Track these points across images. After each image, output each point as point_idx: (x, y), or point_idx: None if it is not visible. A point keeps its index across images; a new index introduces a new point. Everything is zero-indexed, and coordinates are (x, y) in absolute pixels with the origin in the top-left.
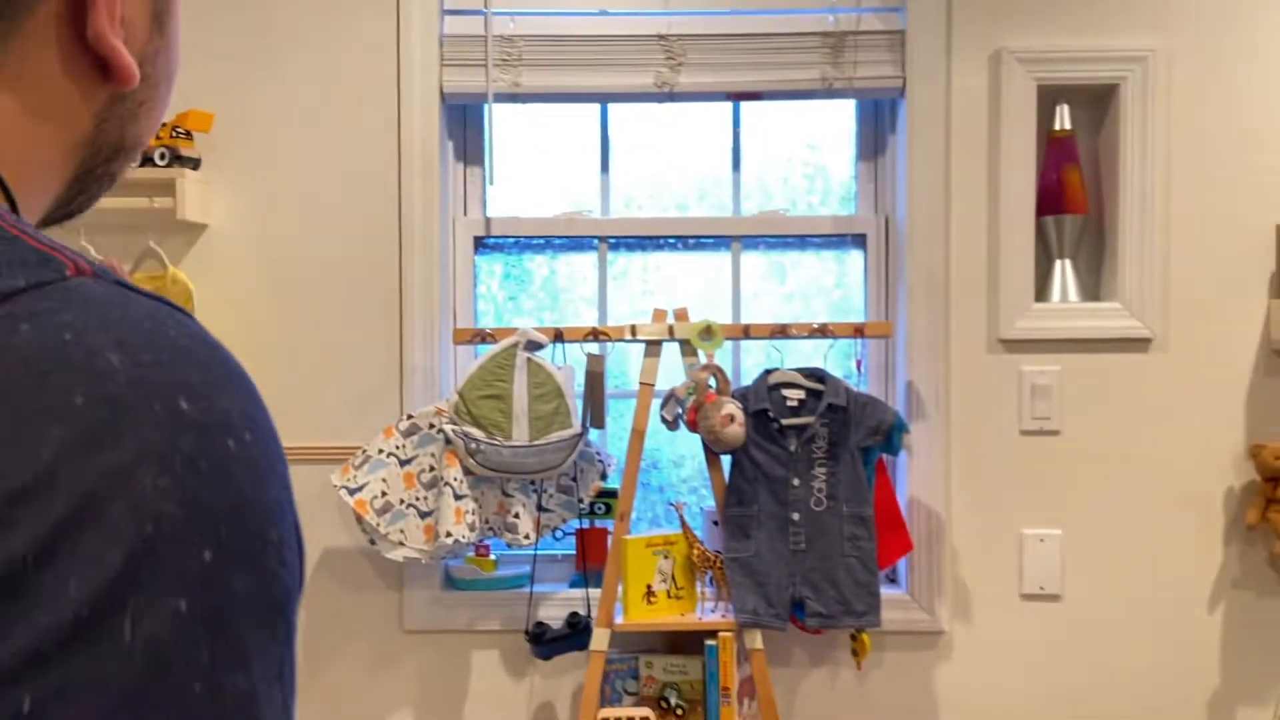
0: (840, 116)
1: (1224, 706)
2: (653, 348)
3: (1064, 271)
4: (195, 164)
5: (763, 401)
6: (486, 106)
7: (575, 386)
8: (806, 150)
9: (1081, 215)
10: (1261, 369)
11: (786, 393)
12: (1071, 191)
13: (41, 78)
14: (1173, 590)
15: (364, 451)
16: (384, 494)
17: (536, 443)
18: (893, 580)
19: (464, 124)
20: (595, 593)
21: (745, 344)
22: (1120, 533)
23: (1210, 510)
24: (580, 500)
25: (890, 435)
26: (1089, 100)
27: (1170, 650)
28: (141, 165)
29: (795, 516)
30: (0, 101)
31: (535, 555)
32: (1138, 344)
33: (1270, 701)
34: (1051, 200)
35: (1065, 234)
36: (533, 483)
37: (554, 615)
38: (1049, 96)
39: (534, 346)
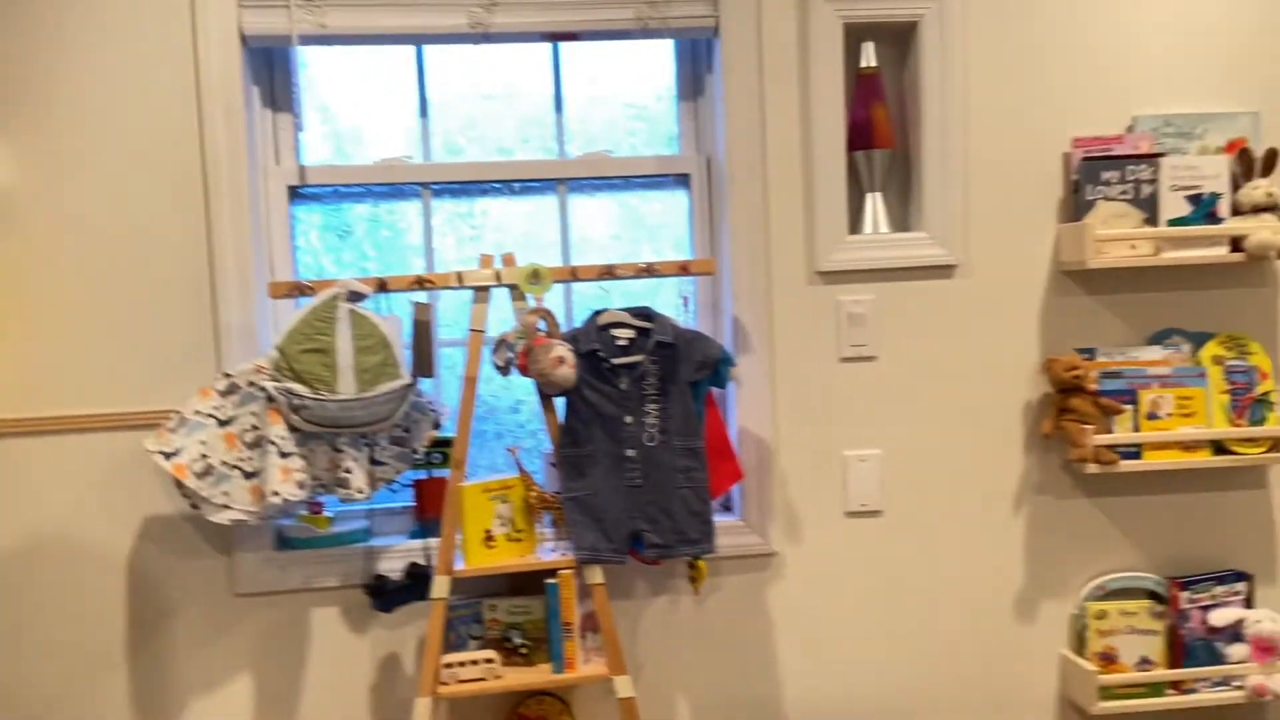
0: (660, 57)
1: (1031, 602)
2: (481, 294)
3: (875, 204)
4: None
5: (592, 342)
6: (292, 49)
7: (404, 337)
8: (629, 92)
9: (889, 150)
10: (1052, 289)
11: (616, 332)
12: (879, 127)
13: None
14: (981, 498)
15: (179, 414)
16: (204, 456)
17: (364, 395)
18: (727, 508)
19: (270, 68)
20: (435, 543)
21: (578, 287)
22: (933, 449)
23: (1011, 422)
24: (415, 451)
25: (717, 368)
26: (893, 38)
27: (981, 554)
28: None
29: (630, 453)
30: None
31: (372, 509)
32: (943, 270)
33: (1070, 594)
34: (861, 136)
35: (875, 168)
36: (364, 436)
37: (395, 568)
38: (855, 34)
39: (356, 297)
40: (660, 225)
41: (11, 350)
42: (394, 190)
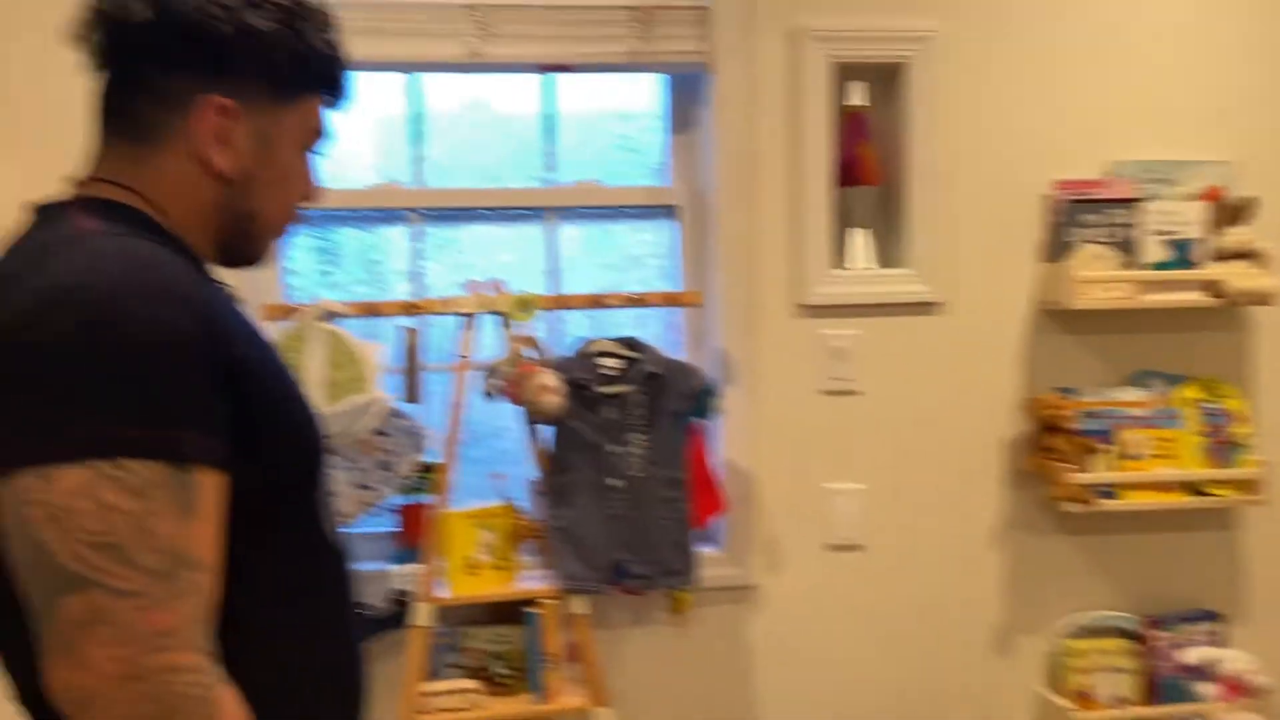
0: (652, 89)
1: (1008, 637)
2: (469, 320)
3: (861, 240)
4: None
5: (580, 371)
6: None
7: (385, 360)
8: (619, 122)
9: (875, 187)
10: (1033, 327)
11: (603, 361)
12: (866, 164)
13: (179, 168)
14: (962, 534)
15: None
16: None
17: (330, 410)
18: (710, 539)
19: None
20: (419, 569)
21: (566, 315)
22: (915, 484)
23: (991, 459)
24: (400, 476)
25: (702, 400)
26: (881, 77)
27: (961, 589)
28: None
29: (614, 482)
30: (170, 182)
31: (357, 534)
32: (927, 307)
33: (1045, 629)
34: (848, 172)
35: (861, 205)
36: (353, 460)
37: (377, 594)
38: (843, 73)
39: (330, 316)
40: (648, 255)
41: None
42: (384, 215)
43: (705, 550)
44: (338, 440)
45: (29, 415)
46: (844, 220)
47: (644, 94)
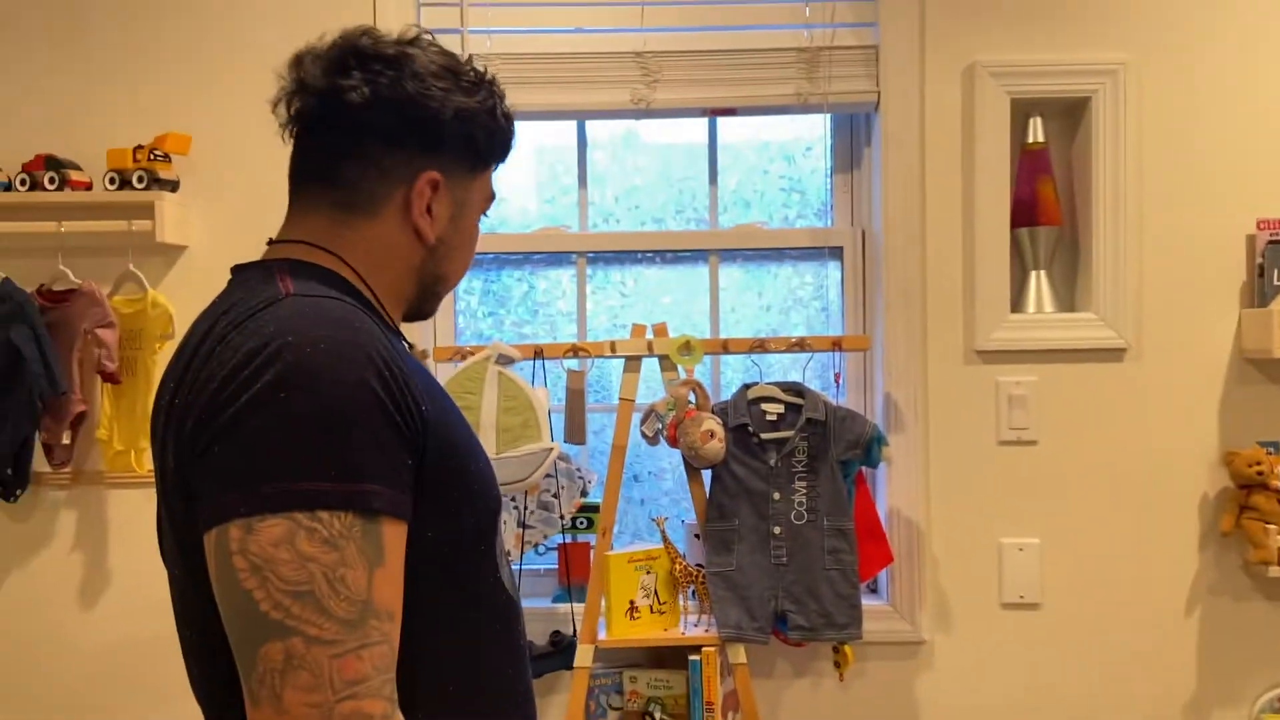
0: (816, 129)
1: (1201, 710)
2: (632, 363)
3: (1039, 282)
4: (174, 186)
5: (742, 416)
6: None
7: (553, 403)
8: (783, 163)
9: (1056, 227)
10: (1234, 377)
11: (766, 407)
12: (1045, 203)
13: (390, 236)
14: (1150, 596)
15: None
16: None
17: (502, 455)
18: (874, 590)
19: None
20: (579, 608)
21: (724, 358)
22: (1098, 541)
23: (1186, 517)
24: (562, 516)
25: (869, 448)
26: (1062, 112)
27: (1149, 656)
28: (119, 188)
29: (776, 530)
30: (375, 248)
31: (520, 571)
32: (1113, 354)
33: (1245, 704)
34: (1026, 212)
35: (1040, 245)
36: (513, 499)
37: (538, 630)
38: (1022, 109)
39: (506, 360)
40: (812, 298)
41: None
42: (551, 259)
43: (871, 603)
44: (509, 486)
45: (235, 469)
46: (1021, 262)
47: (809, 133)
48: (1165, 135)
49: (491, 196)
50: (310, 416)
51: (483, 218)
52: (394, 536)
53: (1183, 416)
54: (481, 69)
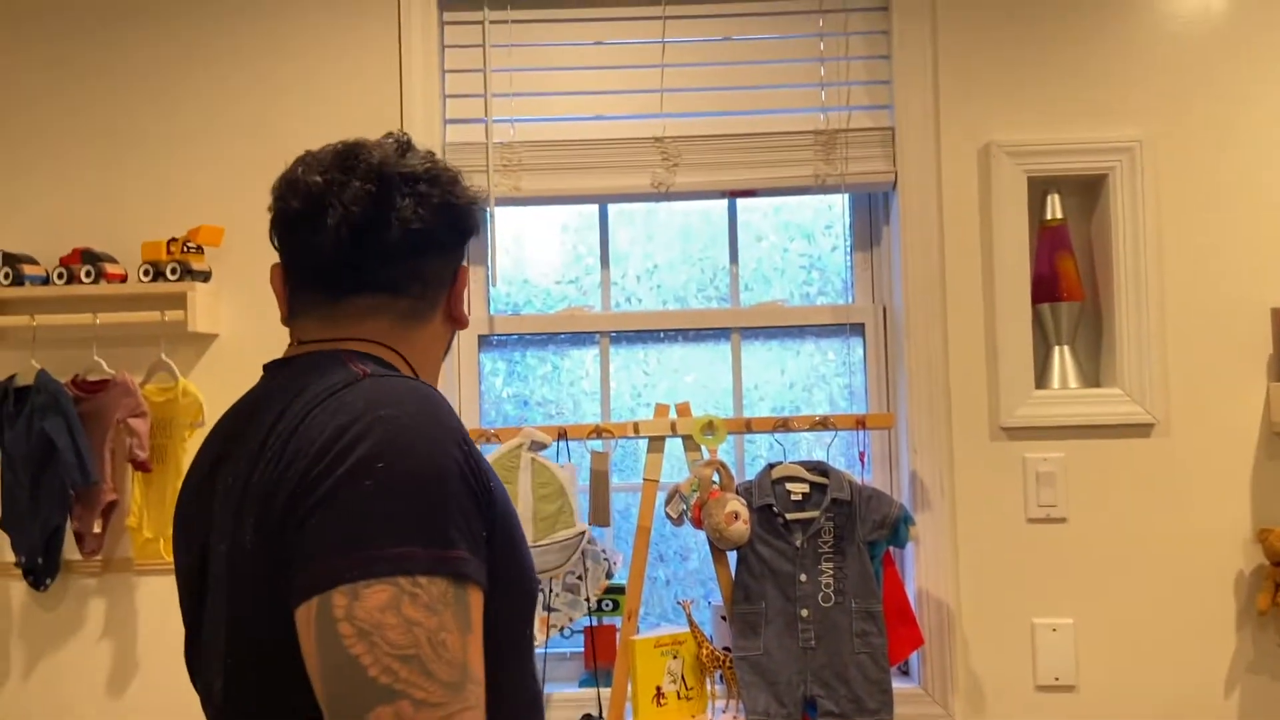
0: (836, 208)
1: None
2: (656, 443)
3: (1063, 358)
4: (206, 276)
5: (766, 496)
6: (488, 211)
7: (579, 484)
8: (802, 241)
9: (1078, 302)
10: (1264, 452)
11: (790, 486)
12: (1066, 279)
13: (439, 327)
14: (1188, 676)
15: None
16: None
17: (540, 543)
18: (905, 673)
19: None
20: (605, 692)
21: (747, 436)
22: (1133, 620)
23: (1221, 595)
24: (587, 599)
25: (896, 528)
26: (1079, 188)
27: None
28: (153, 280)
29: (804, 613)
30: (425, 342)
31: (545, 655)
32: (1140, 429)
33: None
34: (1047, 288)
35: (1062, 321)
36: (539, 582)
37: (565, 716)
38: (1039, 186)
39: (538, 446)
40: (834, 374)
41: None
42: (574, 338)
43: (902, 686)
44: (547, 574)
45: (336, 537)
46: (1044, 338)
47: (828, 211)
48: (1184, 210)
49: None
50: (407, 485)
51: None
52: (478, 604)
53: (1214, 492)
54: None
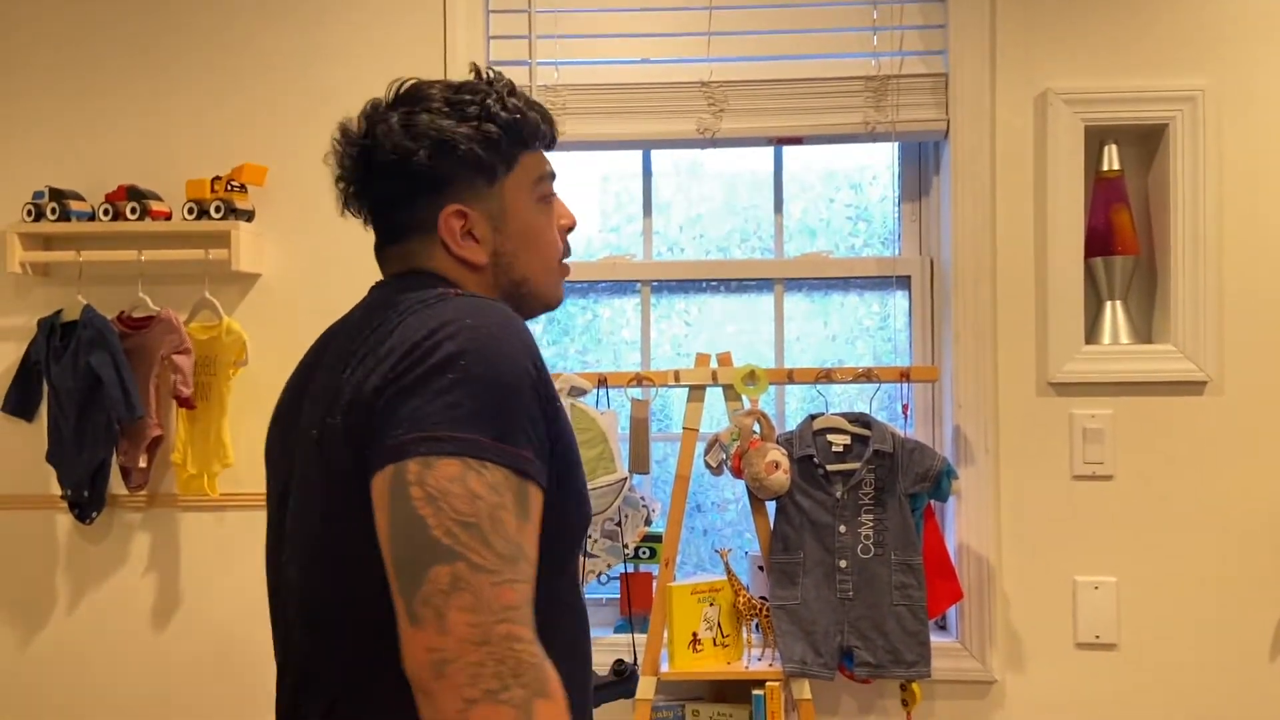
0: (884, 157)
1: None
2: (696, 392)
3: (1115, 313)
4: (249, 216)
5: (808, 447)
6: None
7: (619, 431)
8: (849, 192)
9: (1132, 256)
10: None
11: (832, 438)
12: (1121, 232)
13: (454, 271)
14: (1232, 639)
15: None
16: None
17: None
18: (943, 627)
19: None
20: (641, 638)
21: (793, 388)
22: (1177, 580)
23: (1269, 558)
24: (625, 545)
25: (939, 481)
26: (1138, 139)
27: (1232, 701)
28: (197, 218)
29: (842, 564)
30: (448, 266)
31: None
32: (1192, 387)
33: None
34: (1100, 241)
35: (1115, 275)
36: None
37: (600, 661)
38: (1096, 136)
39: (578, 392)
40: (878, 327)
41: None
42: (615, 287)
43: (940, 640)
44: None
45: (416, 418)
46: (1096, 292)
47: (875, 161)
48: (1246, 162)
49: (544, 174)
50: (484, 384)
51: (543, 200)
52: (537, 500)
53: (1266, 453)
54: (469, 82)
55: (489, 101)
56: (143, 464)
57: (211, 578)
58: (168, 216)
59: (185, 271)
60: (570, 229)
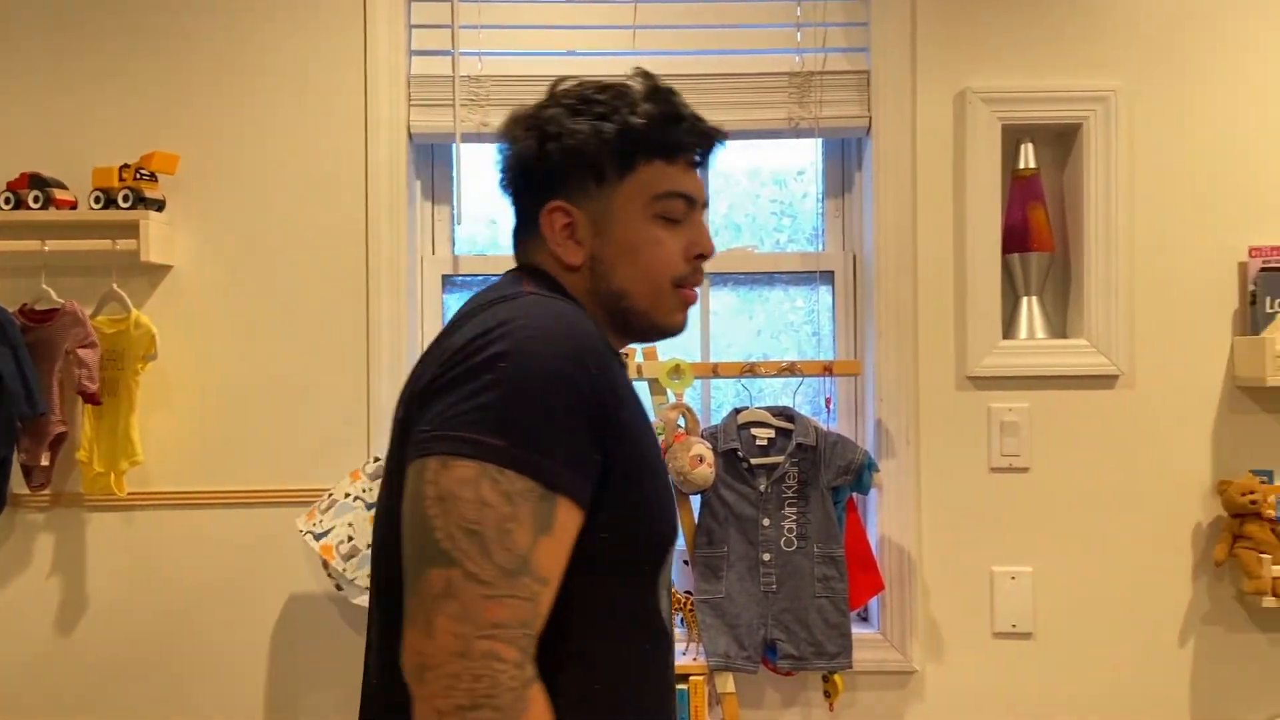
0: (807, 154)
1: None
2: None
3: (1031, 309)
4: (159, 205)
5: (732, 441)
6: (454, 146)
7: None
8: (774, 187)
9: (1047, 253)
10: (1226, 405)
11: (756, 432)
12: (1037, 229)
13: (555, 269)
14: (1144, 626)
15: (330, 495)
16: (350, 539)
17: None
18: (864, 619)
19: (432, 162)
20: None
21: (717, 383)
22: (1091, 569)
23: (1179, 546)
24: None
25: (860, 474)
26: (1053, 138)
27: (1142, 686)
28: (104, 207)
29: (766, 557)
30: (550, 264)
31: None
32: (1105, 380)
33: None
34: (1017, 238)
35: (1031, 271)
36: None
37: None
38: (1013, 135)
39: None
40: (804, 322)
41: (176, 425)
42: None
43: (861, 632)
44: None
45: (448, 417)
46: (1013, 288)
47: (800, 157)
48: (1157, 162)
49: (671, 192)
50: (520, 389)
51: (661, 218)
52: (567, 515)
53: (1175, 444)
54: (618, 83)
55: (618, 102)
56: (45, 462)
57: (120, 580)
58: (73, 205)
59: (92, 263)
60: (703, 257)
